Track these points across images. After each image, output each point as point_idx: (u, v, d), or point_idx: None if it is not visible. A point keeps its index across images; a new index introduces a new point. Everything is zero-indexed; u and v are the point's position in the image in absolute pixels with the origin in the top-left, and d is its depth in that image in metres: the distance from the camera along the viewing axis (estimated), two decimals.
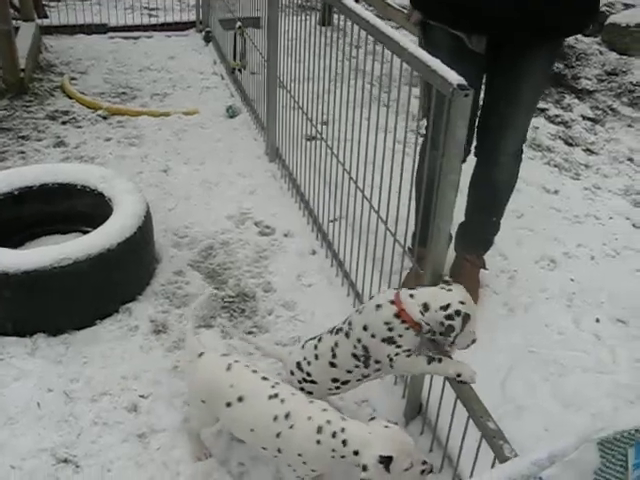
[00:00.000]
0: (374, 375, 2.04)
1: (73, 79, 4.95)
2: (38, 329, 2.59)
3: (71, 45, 5.59)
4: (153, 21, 5.96)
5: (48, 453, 2.15)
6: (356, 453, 1.70)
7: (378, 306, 1.91)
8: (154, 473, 2.10)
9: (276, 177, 3.79)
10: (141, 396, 2.38)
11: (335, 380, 2.05)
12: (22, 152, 3.91)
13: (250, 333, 2.69)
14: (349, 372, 2.01)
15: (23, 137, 4.07)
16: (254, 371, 1.95)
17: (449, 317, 1.80)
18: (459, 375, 1.85)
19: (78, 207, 3.04)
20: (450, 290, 1.86)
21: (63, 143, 4.05)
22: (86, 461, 2.13)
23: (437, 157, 1.85)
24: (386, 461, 1.66)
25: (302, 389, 2.07)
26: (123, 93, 4.81)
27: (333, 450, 1.74)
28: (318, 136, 3.03)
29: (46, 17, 5.79)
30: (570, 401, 2.41)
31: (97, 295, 2.67)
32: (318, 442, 1.75)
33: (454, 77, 1.70)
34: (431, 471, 1.77)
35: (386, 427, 1.72)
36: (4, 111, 4.35)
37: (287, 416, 1.80)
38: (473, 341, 1.89)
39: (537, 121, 4.53)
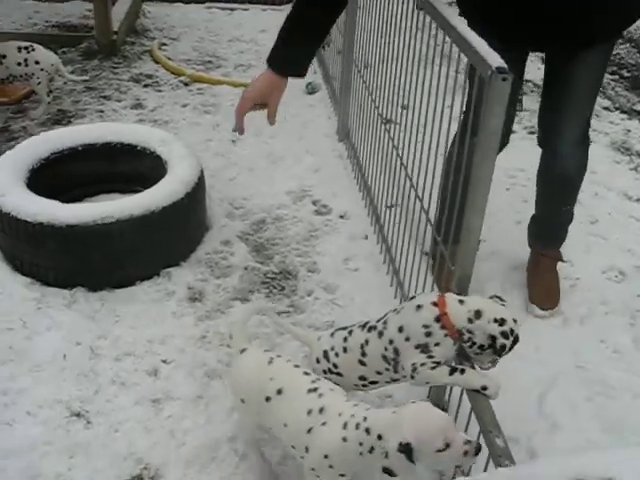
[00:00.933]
0: (404, 380, 1.88)
1: (164, 45, 5.03)
2: (78, 283, 2.63)
3: (168, 13, 5.68)
4: None
5: (63, 405, 2.18)
6: (380, 437, 1.53)
7: (419, 307, 1.75)
8: (160, 439, 2.09)
9: (342, 157, 3.70)
10: (163, 361, 2.38)
11: (362, 378, 1.91)
12: (101, 111, 4.01)
13: (285, 312, 2.62)
14: (379, 373, 1.87)
15: (105, 97, 4.17)
16: (296, 366, 1.84)
17: (504, 334, 1.66)
18: (484, 388, 1.71)
19: (138, 168, 3.05)
20: (504, 305, 1.73)
21: (141, 105, 4.11)
22: (97, 418, 2.15)
23: (473, 145, 1.70)
24: (406, 450, 1.46)
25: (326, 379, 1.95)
26: (209, 62, 4.83)
27: (360, 444, 1.57)
28: (394, 120, 2.88)
29: None
30: (612, 426, 2.20)
31: (138, 256, 2.68)
32: (344, 439, 1.59)
33: (495, 59, 1.54)
34: (478, 452, 1.52)
35: (412, 402, 1.55)
36: (93, 71, 4.47)
37: (321, 411, 1.67)
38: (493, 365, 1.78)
39: (630, 124, 4.20)
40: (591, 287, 2.81)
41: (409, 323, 1.75)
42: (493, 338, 1.66)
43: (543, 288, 2.69)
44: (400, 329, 1.77)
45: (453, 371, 1.72)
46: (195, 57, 4.88)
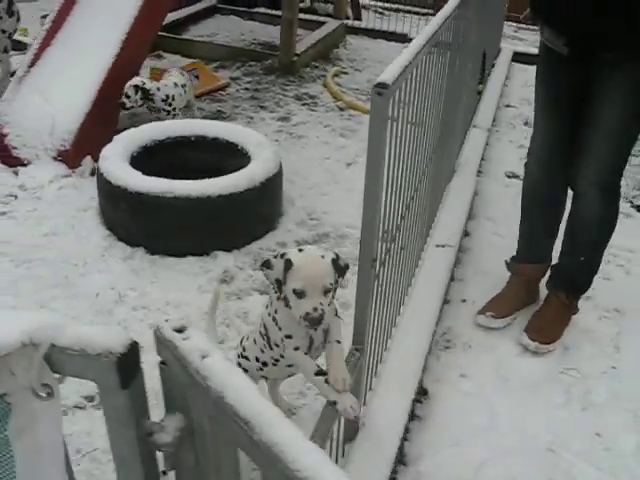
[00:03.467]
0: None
1: (344, 74, 5.45)
2: (141, 244, 3.09)
3: (368, 47, 6.12)
4: None
5: None
6: None
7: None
8: None
9: None
10: (166, 320, 2.71)
11: (256, 359, 1.98)
12: (250, 117, 4.53)
13: None
14: (262, 352, 1.99)
15: (262, 107, 4.69)
16: None
17: (275, 256, 1.68)
18: (334, 403, 1.70)
19: (231, 167, 3.43)
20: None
21: (287, 119, 4.56)
22: None
23: None
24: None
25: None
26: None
27: None
28: None
29: (359, 19, 6.40)
30: None
31: (196, 233, 3.06)
32: None
33: None
34: None
35: None
36: (265, 84, 5.04)
37: None
38: (307, 315, 1.61)
39: None
40: None
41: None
42: (266, 262, 1.69)
43: (541, 320, 2.64)
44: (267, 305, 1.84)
45: (319, 373, 1.76)
46: (365, 87, 5.22)
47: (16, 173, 3.62)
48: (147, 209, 3.01)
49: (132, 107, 3.76)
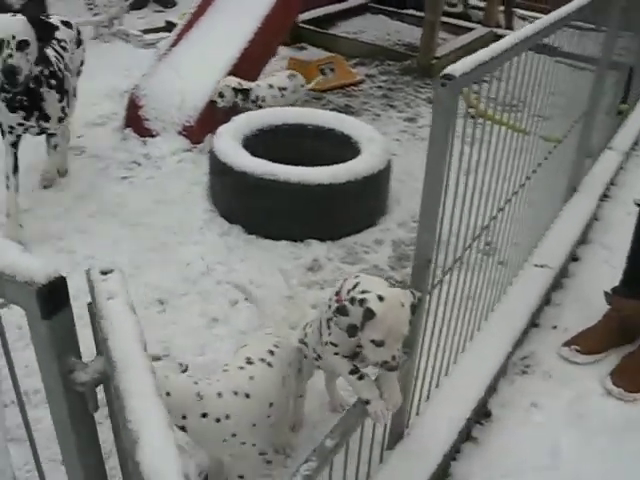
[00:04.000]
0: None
1: (484, 81, 5.26)
2: (239, 222, 3.17)
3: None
4: None
5: (156, 290, 2.74)
6: None
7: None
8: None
9: None
10: (234, 301, 2.73)
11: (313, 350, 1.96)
12: (378, 115, 4.51)
13: None
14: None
15: (391, 105, 4.65)
16: None
17: (351, 300, 1.59)
18: (367, 403, 1.68)
19: (343, 156, 3.42)
20: (381, 278, 1.69)
21: (414, 120, 4.49)
22: (168, 306, 2.66)
23: None
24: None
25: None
26: (513, 105, 4.91)
27: None
28: None
29: (510, 29, 6.16)
30: None
31: (290, 220, 3.09)
32: None
33: None
34: None
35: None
36: (399, 84, 4.99)
37: None
38: (385, 363, 1.59)
39: None
40: None
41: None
42: (342, 308, 1.61)
43: (631, 364, 2.40)
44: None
45: (353, 372, 1.73)
46: (504, 98, 5.01)
47: (144, 143, 3.84)
48: (249, 189, 3.08)
49: (223, 106, 3.77)
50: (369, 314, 1.54)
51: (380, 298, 1.57)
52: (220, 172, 3.18)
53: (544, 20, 2.05)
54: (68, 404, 0.80)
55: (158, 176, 3.58)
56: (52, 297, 0.74)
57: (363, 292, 1.61)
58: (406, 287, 1.77)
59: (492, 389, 2.35)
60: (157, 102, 3.85)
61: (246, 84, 3.80)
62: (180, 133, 3.79)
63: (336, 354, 1.75)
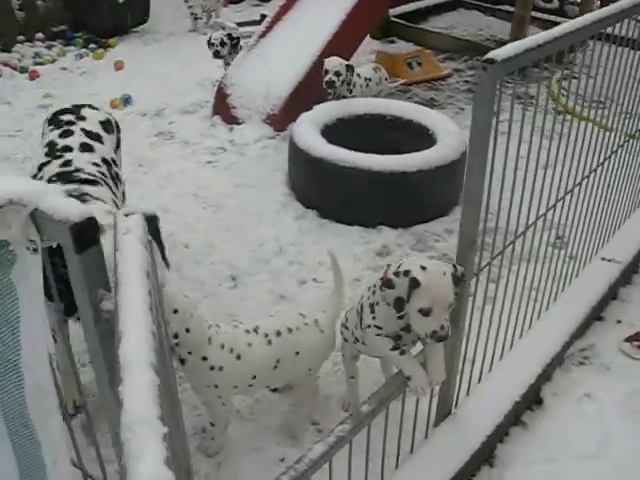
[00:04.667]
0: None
1: (574, 78, 5.13)
2: (315, 207, 3.30)
3: (609, 54, 5.67)
4: None
5: (229, 269, 2.91)
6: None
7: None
8: None
9: None
10: (314, 279, 2.86)
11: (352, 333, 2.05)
12: (461, 109, 4.52)
13: None
14: (355, 328, 2.01)
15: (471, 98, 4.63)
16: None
17: (396, 274, 1.68)
18: (408, 379, 1.76)
19: (420, 147, 3.46)
20: (423, 259, 1.74)
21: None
22: (241, 281, 2.82)
23: None
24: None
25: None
26: (600, 102, 4.79)
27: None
28: None
29: None
30: None
31: (363, 206, 3.19)
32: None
33: None
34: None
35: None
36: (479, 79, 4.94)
37: None
38: (434, 333, 1.66)
39: None
40: None
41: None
42: (388, 281, 1.68)
43: None
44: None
45: (395, 348, 1.81)
46: (588, 95, 4.88)
47: (230, 130, 4.04)
48: (325, 175, 3.20)
49: (339, 87, 3.77)
50: (414, 282, 1.63)
51: (423, 268, 1.66)
52: (298, 158, 3.32)
53: (606, 9, 2.03)
54: (98, 332, 0.94)
55: (240, 162, 3.76)
56: (83, 234, 0.88)
57: (401, 266, 1.70)
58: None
59: (546, 377, 2.36)
60: (244, 91, 4.03)
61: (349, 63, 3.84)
62: (264, 121, 3.96)
63: (378, 335, 1.82)
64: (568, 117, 4.38)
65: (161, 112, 4.40)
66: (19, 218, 0.91)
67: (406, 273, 1.66)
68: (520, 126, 1.96)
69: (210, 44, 4.44)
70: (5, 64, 5.29)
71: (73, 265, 0.89)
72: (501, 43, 5.53)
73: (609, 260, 2.77)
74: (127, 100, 4.55)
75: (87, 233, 0.88)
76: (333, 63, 3.69)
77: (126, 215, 0.89)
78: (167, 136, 4.09)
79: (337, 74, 3.71)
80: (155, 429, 0.64)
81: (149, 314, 0.72)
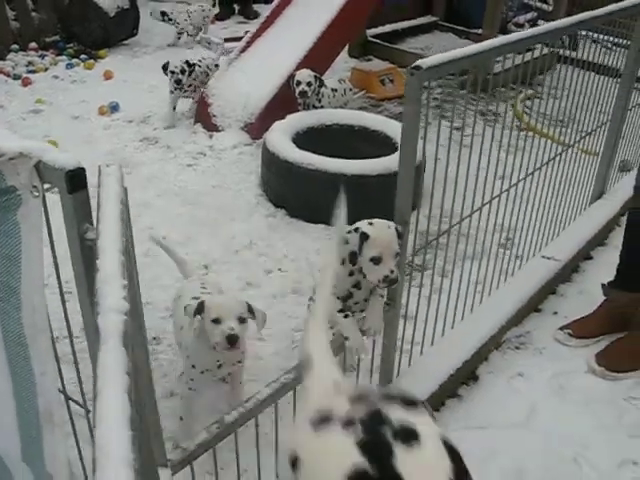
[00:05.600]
0: None
1: (538, 98, 5.48)
2: (284, 206, 3.57)
3: (575, 77, 6.03)
4: None
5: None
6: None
7: None
8: None
9: None
10: (268, 271, 3.13)
11: None
12: (429, 123, 4.80)
13: None
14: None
15: (443, 116, 4.93)
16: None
17: (348, 232, 1.93)
18: (347, 339, 2.02)
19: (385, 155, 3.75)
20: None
21: (460, 129, 4.76)
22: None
23: None
24: (199, 306, 1.96)
25: None
26: (560, 120, 5.13)
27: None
28: None
29: (575, 49, 6.32)
30: None
31: (326, 206, 3.44)
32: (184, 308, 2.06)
33: None
34: (232, 341, 1.92)
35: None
36: (454, 97, 5.28)
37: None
38: (386, 278, 1.91)
39: None
40: None
41: None
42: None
43: (618, 347, 2.62)
44: None
45: (341, 311, 2.08)
46: (553, 115, 5.22)
47: (210, 136, 4.31)
48: (292, 176, 3.48)
49: (310, 96, 4.05)
50: (364, 236, 1.92)
51: (370, 224, 1.97)
52: (269, 161, 3.60)
53: (541, 28, 2.34)
54: (84, 264, 1.19)
55: (218, 165, 4.03)
56: (74, 179, 1.14)
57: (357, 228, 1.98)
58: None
59: (483, 357, 2.63)
60: (224, 101, 4.32)
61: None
62: (242, 129, 4.25)
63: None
64: (530, 133, 4.75)
65: (147, 119, 4.67)
66: (27, 168, 1.17)
67: (356, 230, 1.95)
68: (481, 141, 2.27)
69: (170, 72, 4.44)
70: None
71: (66, 204, 1.15)
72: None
73: (548, 258, 3.06)
74: (114, 107, 4.81)
75: (77, 179, 1.14)
76: (304, 74, 3.98)
77: (107, 165, 1.16)
78: (151, 141, 4.35)
79: (309, 84, 4.00)
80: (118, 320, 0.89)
81: (121, 239, 0.99)
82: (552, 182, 3.09)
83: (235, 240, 3.32)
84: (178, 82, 4.44)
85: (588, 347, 2.74)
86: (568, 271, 3.16)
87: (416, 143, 1.94)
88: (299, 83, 3.95)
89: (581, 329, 2.76)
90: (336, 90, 4.30)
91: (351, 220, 3.31)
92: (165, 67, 4.45)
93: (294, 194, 3.53)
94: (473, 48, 2.03)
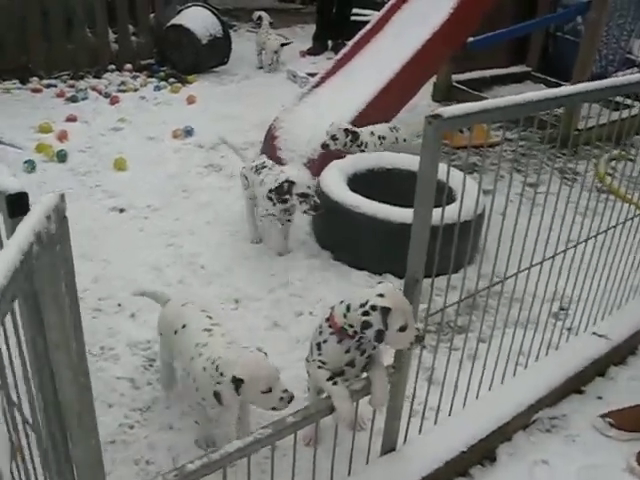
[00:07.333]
0: None
1: (629, 160, 5.15)
2: (329, 248, 3.49)
3: None
4: None
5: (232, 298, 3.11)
6: (222, 375, 1.96)
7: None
8: None
9: None
10: (299, 313, 3.02)
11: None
12: (502, 176, 4.61)
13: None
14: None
15: (518, 170, 4.73)
16: (203, 310, 2.29)
17: (365, 313, 1.83)
18: (334, 410, 1.89)
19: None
20: (372, 287, 1.90)
21: (535, 185, 4.54)
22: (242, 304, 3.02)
23: None
24: (237, 383, 1.90)
25: None
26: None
27: (211, 376, 2.00)
28: None
29: None
30: None
31: (371, 252, 3.34)
32: (204, 369, 2.03)
33: None
34: (291, 400, 1.91)
35: (251, 352, 1.99)
36: (535, 151, 5.05)
37: (204, 345, 2.10)
38: (417, 338, 1.87)
39: None
40: None
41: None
42: (365, 323, 1.83)
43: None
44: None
45: (330, 378, 1.95)
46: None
47: None
48: (340, 219, 3.38)
49: (335, 149, 3.93)
50: (386, 311, 1.82)
51: (381, 295, 1.86)
52: (320, 200, 3.51)
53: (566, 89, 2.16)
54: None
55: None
56: (14, 204, 1.10)
57: (365, 303, 1.86)
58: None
59: (506, 437, 2.41)
60: (291, 135, 4.30)
61: (354, 129, 4.01)
62: (305, 164, 4.19)
63: (320, 368, 1.99)
64: (612, 198, 4.45)
65: (216, 146, 4.71)
66: None
67: (373, 308, 1.84)
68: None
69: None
70: (93, 88, 5.82)
71: (7, 227, 1.11)
72: (559, 117, 5.63)
73: (600, 336, 2.80)
74: (189, 132, 4.90)
75: (19, 203, 1.10)
76: (333, 127, 3.91)
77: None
78: (216, 168, 4.39)
79: (333, 138, 3.91)
80: None
81: None
82: (619, 249, 2.84)
83: (273, 278, 3.25)
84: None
85: (629, 442, 2.46)
86: (622, 353, 2.88)
87: (433, 195, 1.81)
88: (327, 134, 3.91)
89: (625, 420, 2.49)
90: (384, 137, 4.12)
91: (400, 272, 3.20)
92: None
93: (340, 237, 3.43)
94: (497, 102, 1.88)
